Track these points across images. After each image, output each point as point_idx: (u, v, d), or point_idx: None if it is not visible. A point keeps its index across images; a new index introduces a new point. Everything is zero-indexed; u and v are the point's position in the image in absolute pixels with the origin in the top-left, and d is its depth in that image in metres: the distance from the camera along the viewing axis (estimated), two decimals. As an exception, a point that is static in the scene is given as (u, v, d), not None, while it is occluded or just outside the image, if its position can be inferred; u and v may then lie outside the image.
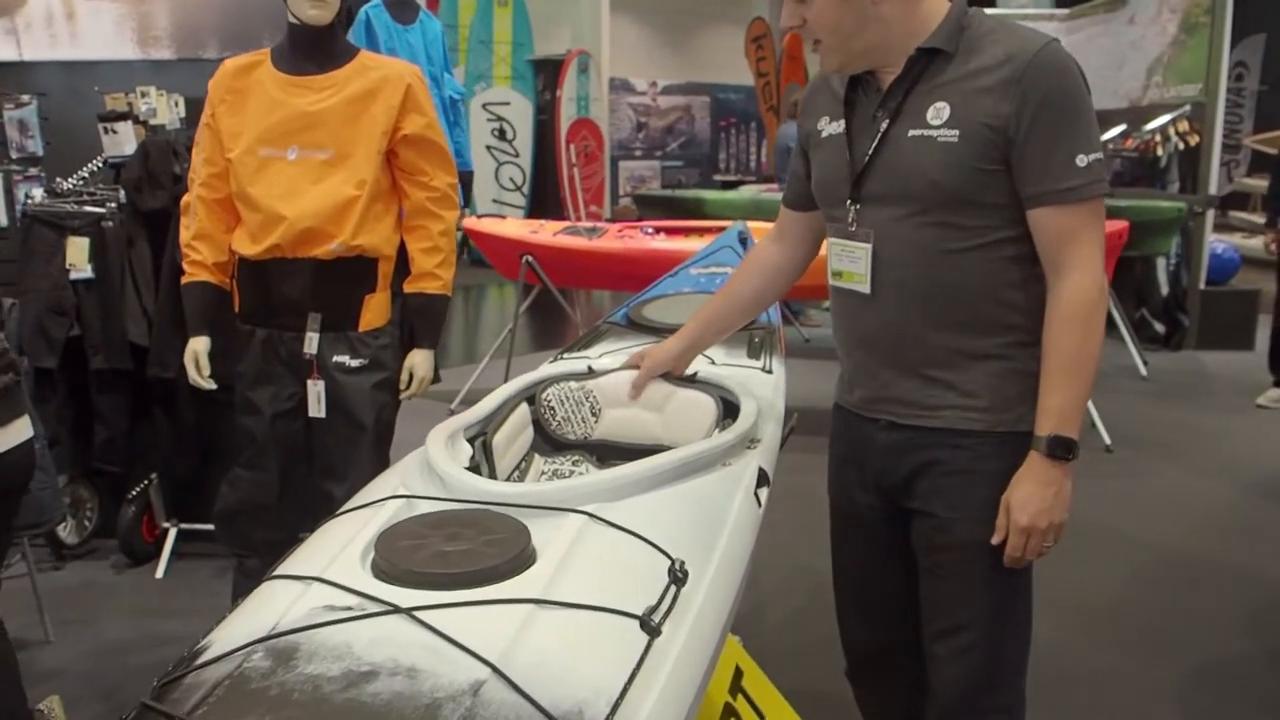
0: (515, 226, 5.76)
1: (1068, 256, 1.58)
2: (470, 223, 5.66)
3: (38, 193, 3.78)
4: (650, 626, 1.24)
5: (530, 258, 5.44)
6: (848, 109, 1.72)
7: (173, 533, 3.79)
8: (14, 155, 3.84)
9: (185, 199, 2.73)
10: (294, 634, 1.14)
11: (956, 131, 1.57)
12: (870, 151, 1.66)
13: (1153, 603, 3.57)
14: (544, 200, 11.89)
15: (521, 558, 1.29)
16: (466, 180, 4.41)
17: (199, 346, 2.68)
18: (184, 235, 2.70)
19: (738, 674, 2.44)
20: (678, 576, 1.36)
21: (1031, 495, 1.59)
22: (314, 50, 2.57)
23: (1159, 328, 7.68)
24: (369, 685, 1.05)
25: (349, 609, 1.19)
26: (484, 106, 11.54)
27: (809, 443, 2.53)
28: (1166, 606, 3.54)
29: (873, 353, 1.74)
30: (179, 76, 3.84)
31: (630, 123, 15.11)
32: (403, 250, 2.72)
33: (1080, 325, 1.57)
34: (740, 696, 2.39)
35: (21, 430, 2.13)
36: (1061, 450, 1.58)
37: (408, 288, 2.70)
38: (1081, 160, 1.55)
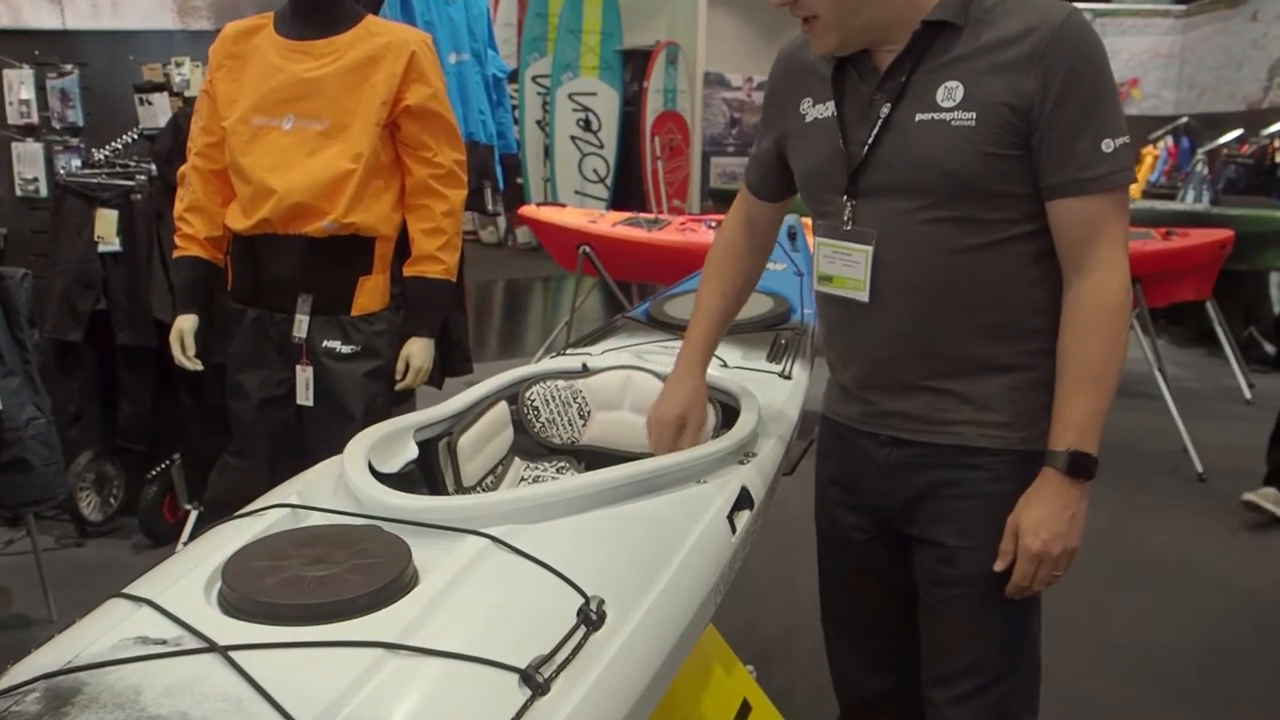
0: (573, 215, 5.57)
1: (1092, 253, 1.37)
2: (528, 211, 5.49)
3: (77, 164, 3.73)
4: (535, 682, 1.01)
5: (587, 248, 5.24)
6: (835, 89, 1.48)
7: (194, 515, 3.69)
8: (56, 126, 3.78)
9: (182, 169, 2.60)
10: (86, 670, 0.94)
11: (972, 114, 1.36)
12: (870, 139, 1.44)
13: (1238, 656, 3.18)
14: (627, 193, 11.71)
15: (390, 589, 1.08)
16: (511, 164, 4.22)
17: (185, 325, 2.54)
18: (178, 207, 2.57)
19: (744, 709, 2.19)
20: (590, 618, 1.13)
21: (1045, 519, 1.39)
22: (315, 13, 2.40)
23: (1269, 348, 7.10)
24: (138, 746, 0.85)
25: (164, 642, 0.99)
26: (570, 96, 11.41)
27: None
28: (1256, 661, 3.15)
29: (874, 366, 1.52)
30: (216, 47, 3.73)
31: (724, 118, 14.80)
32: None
33: (1105, 330, 1.38)
34: (744, 736, 2.15)
35: None
36: (1082, 468, 1.40)
37: (407, 270, 2.52)
38: (1108, 145, 1.35)
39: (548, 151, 11.23)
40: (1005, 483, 1.44)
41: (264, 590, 1.06)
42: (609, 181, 11.81)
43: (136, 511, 3.72)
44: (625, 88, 11.77)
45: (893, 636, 1.64)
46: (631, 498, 1.40)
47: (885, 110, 1.42)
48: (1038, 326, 1.43)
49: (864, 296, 1.47)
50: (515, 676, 1.01)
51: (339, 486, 1.37)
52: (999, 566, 1.44)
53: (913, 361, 1.47)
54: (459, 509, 1.26)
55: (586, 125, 11.65)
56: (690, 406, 1.73)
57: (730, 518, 1.55)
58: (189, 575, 1.12)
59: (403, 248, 2.55)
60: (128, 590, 1.12)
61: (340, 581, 1.08)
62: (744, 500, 1.61)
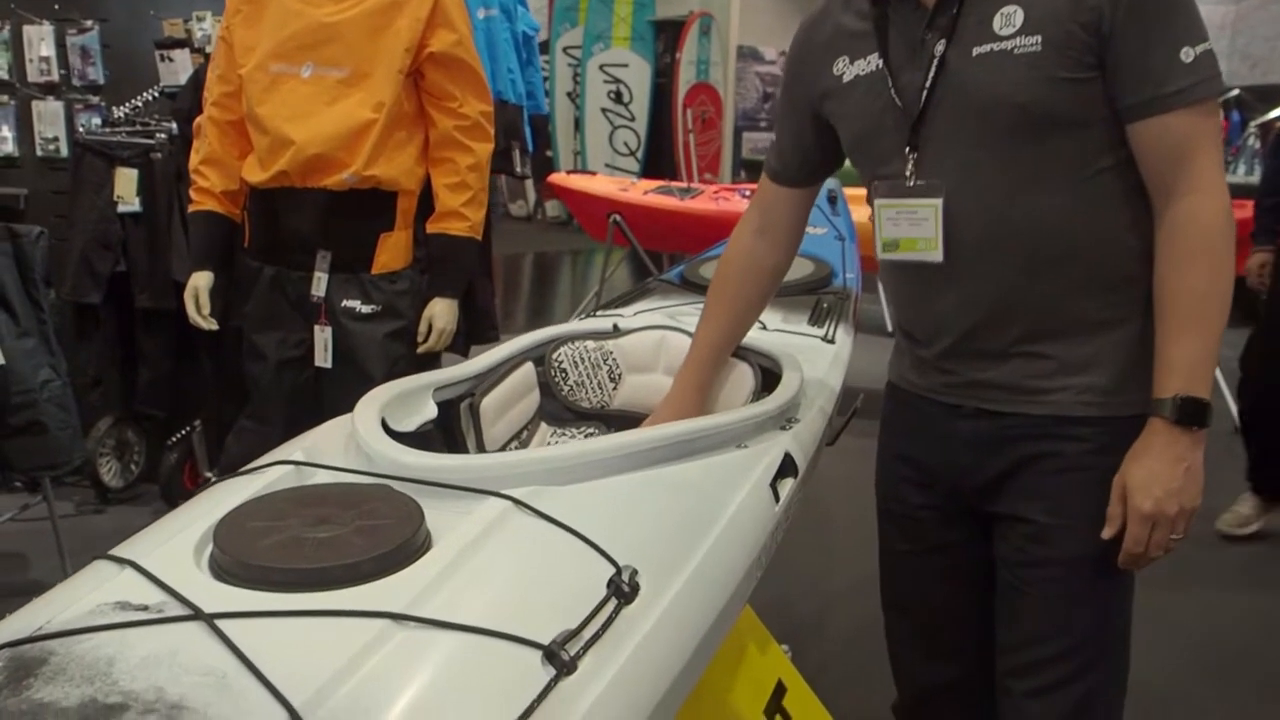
0: (604, 184, 5.43)
1: (1183, 176, 1.23)
2: (557, 179, 5.36)
3: (97, 123, 3.65)
4: (560, 660, 0.90)
5: (618, 216, 5.09)
6: (879, 38, 1.36)
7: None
8: (76, 83, 3.70)
9: (198, 120, 2.49)
10: (55, 639, 0.84)
11: (1037, 38, 1.23)
12: (927, 83, 1.30)
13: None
14: (659, 166, 11.55)
15: (399, 554, 0.97)
16: (539, 125, 4.09)
17: (200, 282, 2.44)
18: (193, 160, 2.47)
19: (779, 690, 2.06)
20: (623, 591, 1.01)
21: (1156, 474, 1.25)
22: (336, -45, 2.28)
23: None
24: (103, 727, 0.74)
25: (145, 608, 0.88)
26: (601, 68, 11.25)
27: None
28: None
29: (957, 337, 1.37)
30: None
31: (757, 93, 14.56)
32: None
33: (1207, 259, 1.24)
34: (779, 718, 2.03)
35: None
36: (1193, 415, 1.25)
37: (430, 227, 2.40)
38: (1187, 54, 1.20)
39: (578, 124, 11.09)
40: (1107, 455, 1.29)
41: (258, 553, 0.95)
42: (640, 155, 11.64)
43: (157, 478, 3.65)
44: (657, 59, 11.59)
45: (961, 622, 1.51)
46: (667, 461, 1.28)
47: (939, 48, 1.28)
48: (1135, 274, 1.29)
49: (937, 256, 1.33)
50: (538, 653, 0.90)
51: (349, 444, 1.25)
52: (1107, 533, 1.29)
53: (999, 327, 1.33)
54: (478, 468, 1.14)
55: (618, 97, 11.49)
56: (677, 411, 1.63)
57: (773, 485, 1.42)
58: (179, 536, 1.01)
59: (426, 205, 2.43)
60: (114, 551, 1.02)
61: (344, 544, 0.96)
62: (788, 467, 1.49)
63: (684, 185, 5.45)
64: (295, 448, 1.25)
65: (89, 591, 0.92)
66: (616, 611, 0.99)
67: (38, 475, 2.95)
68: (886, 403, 1.56)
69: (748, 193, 5.45)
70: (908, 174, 1.34)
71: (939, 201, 1.31)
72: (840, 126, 1.46)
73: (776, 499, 1.42)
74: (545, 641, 0.90)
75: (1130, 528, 1.27)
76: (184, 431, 3.63)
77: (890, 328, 5.87)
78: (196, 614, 0.85)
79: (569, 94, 11.42)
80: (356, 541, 0.97)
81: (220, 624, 0.84)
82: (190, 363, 3.62)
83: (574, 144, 11.26)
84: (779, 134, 1.58)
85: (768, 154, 1.62)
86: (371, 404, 1.32)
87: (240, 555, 0.94)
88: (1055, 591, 1.34)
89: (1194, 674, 2.74)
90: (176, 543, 0.99)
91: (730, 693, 1.87)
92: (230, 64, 2.37)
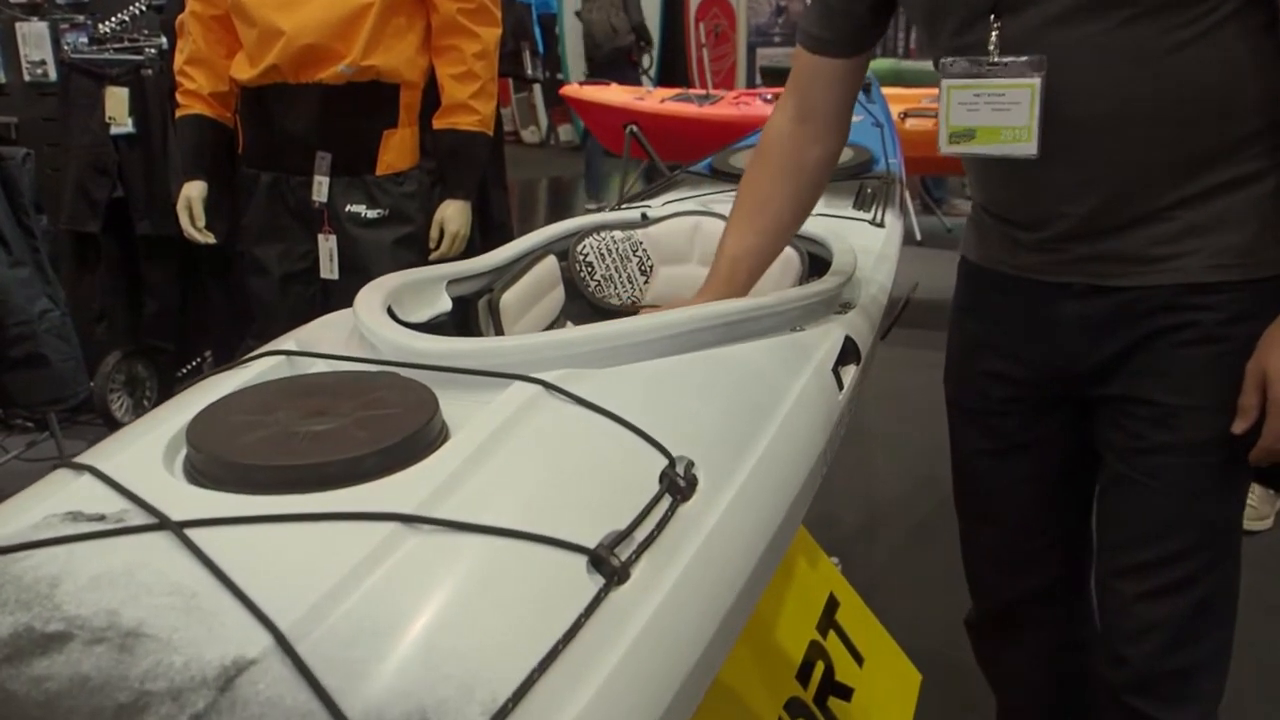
0: (619, 93, 5.18)
1: None
2: (570, 90, 5.12)
3: (84, 42, 3.45)
4: (609, 567, 0.74)
5: (634, 127, 4.87)
6: None
7: (229, 415, 3.49)
8: (60, 1, 3.49)
9: (180, 18, 2.30)
10: (-7, 557, 0.68)
11: None
12: None
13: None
14: (672, 83, 11.23)
15: (410, 446, 0.80)
16: (548, 24, 3.86)
17: (193, 192, 2.28)
18: (177, 60, 2.28)
19: (831, 604, 1.91)
20: (678, 485, 0.85)
21: None
22: None
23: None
24: (41, 660, 0.58)
25: (102, 518, 0.72)
26: (610, -16, 10.87)
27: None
28: None
29: (1073, 220, 1.16)
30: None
31: (770, 6, 14.12)
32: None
33: None
34: (833, 634, 1.88)
35: None
36: None
37: (437, 123, 2.21)
38: None
39: (588, 43, 10.72)
40: (1243, 324, 1.10)
41: (239, 449, 0.78)
42: (652, 72, 11.30)
43: (170, 413, 3.53)
44: (667, -29, 11.19)
45: (1051, 527, 1.34)
46: (717, 344, 1.11)
47: None
48: (1266, 123, 1.09)
49: (1031, 149, 1.11)
50: (583, 559, 0.73)
51: (351, 335, 1.09)
52: (1239, 427, 1.11)
53: (1117, 205, 1.13)
54: (502, 350, 0.97)
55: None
56: None
57: (835, 371, 1.25)
58: (148, 436, 0.85)
59: (431, 101, 2.24)
60: (78, 458, 0.85)
61: (343, 437, 0.80)
62: (849, 352, 1.31)
63: (702, 92, 5.20)
64: (288, 339, 1.08)
65: (38, 503, 0.76)
66: (672, 509, 0.82)
67: (41, 410, 2.83)
68: (963, 286, 1.36)
69: (770, 96, 5.20)
70: (991, 45, 1.11)
71: (1036, 82, 1.08)
72: None
73: (840, 386, 1.25)
74: (591, 545, 0.74)
75: (1271, 421, 1.08)
76: (196, 362, 3.50)
77: (918, 236, 5.64)
78: (162, 522, 0.69)
79: (578, 13, 11.08)
80: (358, 434, 0.80)
81: (191, 533, 0.68)
82: (198, 291, 3.47)
83: (584, 64, 10.96)
84: None
85: (804, 22, 1.36)
86: (376, 290, 1.16)
87: (217, 453, 0.78)
88: (1181, 482, 1.15)
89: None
90: (144, 443, 0.83)
91: (781, 608, 1.72)
92: (211, -49, 2.18)
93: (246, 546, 0.68)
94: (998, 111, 1.12)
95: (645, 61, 3.33)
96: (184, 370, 3.48)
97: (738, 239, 1.37)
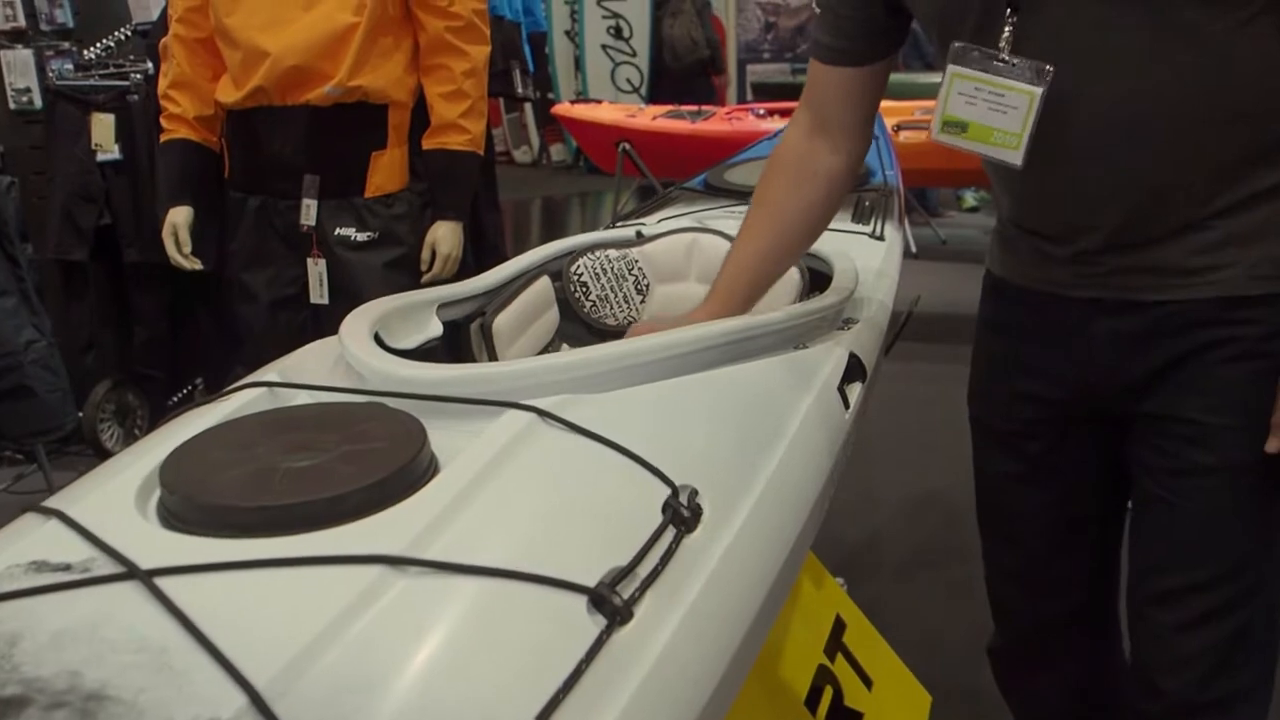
0: (610, 111, 5.17)
1: None
2: (561, 109, 5.10)
3: (69, 68, 3.42)
4: (611, 606, 0.69)
5: (627, 145, 4.84)
6: None
7: (221, 444, 3.44)
8: (45, 28, 3.46)
9: (164, 41, 2.27)
10: (-54, 612, 0.63)
11: None
12: None
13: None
14: (662, 102, 11.25)
15: (397, 482, 0.76)
16: (538, 42, 3.84)
17: (178, 218, 2.24)
18: (161, 84, 2.25)
19: (838, 627, 1.86)
20: (682, 516, 0.80)
21: None
22: None
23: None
24: (-5, 729, 0.54)
25: (66, 568, 0.67)
26: (599, 3, 10.91)
27: (953, 345, 1.90)
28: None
29: (1106, 232, 1.11)
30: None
31: (759, 23, 14.15)
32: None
33: None
34: (841, 657, 1.82)
35: None
36: None
37: (427, 143, 2.18)
38: None
39: (578, 63, 10.76)
40: None
41: (214, 490, 0.74)
42: (643, 91, 11.33)
43: (161, 442, 3.48)
44: (656, -9, 11.23)
45: (1080, 547, 1.29)
46: (718, 363, 1.07)
47: None
48: None
49: (1016, 159, 1.05)
50: (583, 599, 0.69)
51: (337, 365, 1.04)
52: (1274, 445, 1.06)
53: (1152, 214, 1.08)
54: (493, 377, 0.92)
55: (617, 33, 11.15)
56: None
57: (841, 389, 1.21)
58: (121, 476, 0.80)
59: (421, 122, 2.21)
60: (47, 502, 0.81)
61: (326, 474, 0.75)
62: (855, 370, 1.27)
63: (695, 108, 5.18)
64: (271, 370, 1.04)
65: (0, 551, 0.71)
66: (677, 541, 0.78)
67: (29, 442, 2.78)
68: (989, 301, 1.30)
69: (761, 111, 5.18)
70: (1003, 42, 1.06)
71: (1037, 91, 1.03)
72: None
73: (846, 405, 1.21)
74: (591, 584, 0.70)
75: None
76: (187, 390, 3.45)
77: (913, 249, 5.60)
78: (130, 571, 0.65)
79: (567, 32, 11.07)
80: (342, 470, 0.76)
81: (161, 582, 0.63)
82: (188, 317, 3.43)
83: (575, 84, 10.94)
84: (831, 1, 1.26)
85: (815, 32, 1.28)
86: (363, 316, 1.11)
87: (191, 494, 0.73)
88: (1219, 504, 1.10)
89: None
90: (115, 485, 0.79)
91: (788, 632, 1.67)
92: (194, -26, 2.14)
93: (221, 595, 0.64)
94: (994, 111, 1.07)
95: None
96: (175, 398, 3.44)
97: (742, 254, 1.32)
